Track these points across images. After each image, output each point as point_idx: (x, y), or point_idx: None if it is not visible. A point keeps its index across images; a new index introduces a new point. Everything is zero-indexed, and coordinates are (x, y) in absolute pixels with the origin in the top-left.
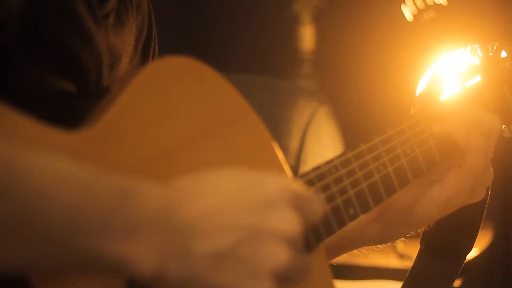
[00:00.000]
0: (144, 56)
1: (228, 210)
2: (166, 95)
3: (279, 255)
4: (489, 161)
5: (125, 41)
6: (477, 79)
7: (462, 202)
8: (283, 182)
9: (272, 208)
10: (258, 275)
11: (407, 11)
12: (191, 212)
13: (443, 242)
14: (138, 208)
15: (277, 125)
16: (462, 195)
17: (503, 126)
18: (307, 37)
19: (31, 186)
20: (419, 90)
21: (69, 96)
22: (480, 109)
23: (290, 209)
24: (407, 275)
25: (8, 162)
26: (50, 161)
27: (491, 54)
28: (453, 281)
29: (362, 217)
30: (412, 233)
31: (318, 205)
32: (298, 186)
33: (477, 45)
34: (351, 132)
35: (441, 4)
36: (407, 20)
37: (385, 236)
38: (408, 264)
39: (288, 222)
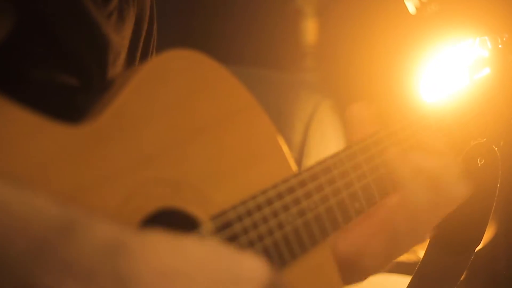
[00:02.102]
0: (143, 51)
1: (188, 278)
2: (170, 88)
3: None
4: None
5: (125, 36)
6: (486, 71)
7: (415, 243)
8: (260, 266)
9: None
10: None
11: (410, 4)
12: (147, 267)
13: (451, 237)
14: (79, 244)
15: (280, 119)
16: (411, 241)
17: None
18: (310, 30)
19: None
20: (421, 85)
21: (72, 90)
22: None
23: None
24: (416, 269)
25: None
26: None
27: (500, 46)
28: (462, 275)
29: None
30: None
31: None
32: (275, 276)
33: (486, 37)
34: None
35: None
36: (410, 13)
37: (345, 281)
38: (413, 257)
39: None
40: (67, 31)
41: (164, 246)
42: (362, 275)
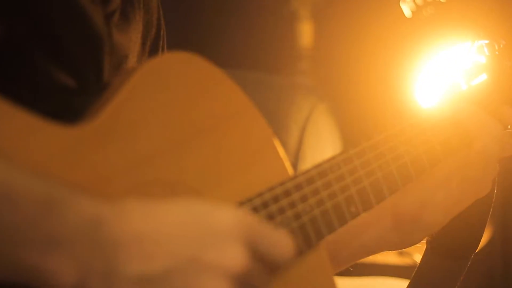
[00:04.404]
0: (152, 55)
1: (166, 237)
2: (167, 90)
3: None
4: (488, 164)
5: (132, 39)
6: (483, 77)
7: (468, 203)
8: (237, 216)
9: (217, 242)
10: None
11: (406, 8)
12: (124, 232)
13: (449, 242)
14: (62, 219)
15: (275, 122)
16: (467, 198)
17: (508, 126)
18: (305, 33)
19: None
20: (416, 88)
21: (69, 91)
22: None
23: (238, 244)
24: (413, 274)
25: None
26: None
27: (497, 52)
28: (459, 279)
29: (380, 227)
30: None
31: (279, 243)
32: (255, 221)
33: (483, 43)
34: (350, 128)
35: (439, 0)
36: (405, 17)
37: (403, 243)
38: (407, 261)
39: (234, 258)
40: (62, 28)
41: (137, 213)
42: (422, 233)
